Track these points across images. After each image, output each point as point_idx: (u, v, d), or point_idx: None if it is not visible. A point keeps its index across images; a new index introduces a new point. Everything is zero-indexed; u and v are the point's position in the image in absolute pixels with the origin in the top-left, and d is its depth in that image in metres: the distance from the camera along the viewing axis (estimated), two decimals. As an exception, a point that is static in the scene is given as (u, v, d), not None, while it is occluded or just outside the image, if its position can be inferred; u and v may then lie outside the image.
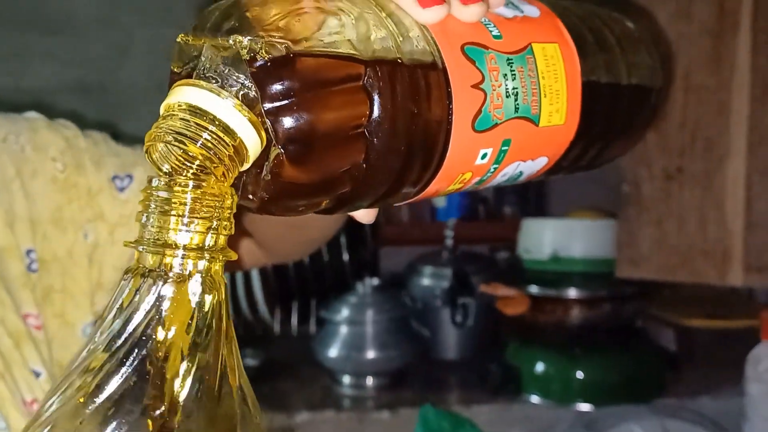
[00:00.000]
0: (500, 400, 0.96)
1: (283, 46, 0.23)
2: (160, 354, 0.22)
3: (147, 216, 0.22)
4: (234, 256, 0.23)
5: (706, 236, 0.88)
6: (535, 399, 0.96)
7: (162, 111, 0.23)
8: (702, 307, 1.05)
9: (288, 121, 0.23)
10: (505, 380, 0.97)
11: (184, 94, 0.23)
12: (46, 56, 1.17)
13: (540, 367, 0.97)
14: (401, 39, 0.25)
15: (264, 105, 0.23)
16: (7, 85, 1.13)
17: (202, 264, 0.22)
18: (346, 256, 1.12)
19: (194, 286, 0.22)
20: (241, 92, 0.23)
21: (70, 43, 1.17)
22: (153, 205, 0.22)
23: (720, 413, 0.89)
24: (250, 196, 0.25)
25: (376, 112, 0.23)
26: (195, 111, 0.23)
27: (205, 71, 0.24)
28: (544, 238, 0.96)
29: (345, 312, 1.01)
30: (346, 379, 1.01)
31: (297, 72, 0.23)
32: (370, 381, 1.00)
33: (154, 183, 0.23)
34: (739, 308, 1.04)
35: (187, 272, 0.22)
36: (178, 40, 0.25)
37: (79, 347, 0.23)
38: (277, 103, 0.23)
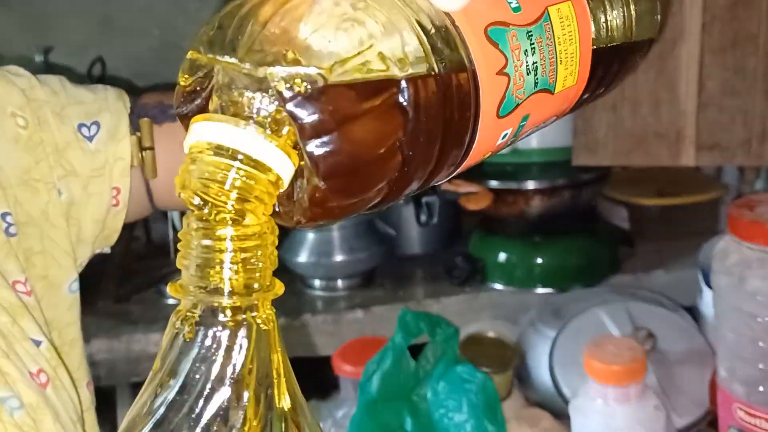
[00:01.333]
0: (467, 291, 1.00)
1: (316, 73, 0.21)
2: (230, 404, 0.22)
3: (189, 262, 0.21)
4: (281, 290, 0.23)
5: (660, 119, 0.90)
6: (499, 287, 1.00)
7: (186, 150, 0.22)
8: (652, 186, 1.10)
9: (328, 156, 0.22)
10: (471, 271, 1.00)
11: (208, 132, 0.21)
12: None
13: (503, 256, 1.00)
14: (430, 43, 0.23)
15: (301, 139, 0.21)
16: None
17: (252, 304, 0.22)
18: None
19: (248, 328, 0.22)
20: (267, 117, 0.21)
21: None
22: (194, 253, 0.21)
23: (672, 285, 0.95)
24: (284, 215, 0.24)
25: (412, 128, 0.23)
26: (223, 151, 0.21)
27: (225, 98, 0.22)
28: (503, 131, 0.96)
29: (310, 218, 1.02)
30: (318, 283, 1.03)
31: (333, 103, 0.21)
32: (340, 283, 1.02)
33: (194, 226, 0.21)
34: (686, 185, 1.08)
35: (241, 317, 0.22)
36: (189, 56, 0.23)
37: (134, 410, 0.23)
38: (316, 140, 0.21)
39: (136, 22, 1.29)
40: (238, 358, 0.22)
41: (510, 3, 0.26)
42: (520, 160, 0.98)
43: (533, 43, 0.26)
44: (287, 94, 0.21)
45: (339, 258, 1.01)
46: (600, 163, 0.93)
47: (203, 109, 0.23)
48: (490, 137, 0.26)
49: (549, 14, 0.27)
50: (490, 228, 1.04)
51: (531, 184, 0.96)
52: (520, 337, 0.81)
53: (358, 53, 0.22)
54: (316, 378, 1.01)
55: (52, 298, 0.43)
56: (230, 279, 0.22)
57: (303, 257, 1.01)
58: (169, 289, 0.23)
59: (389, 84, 0.22)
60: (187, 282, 0.22)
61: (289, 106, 0.21)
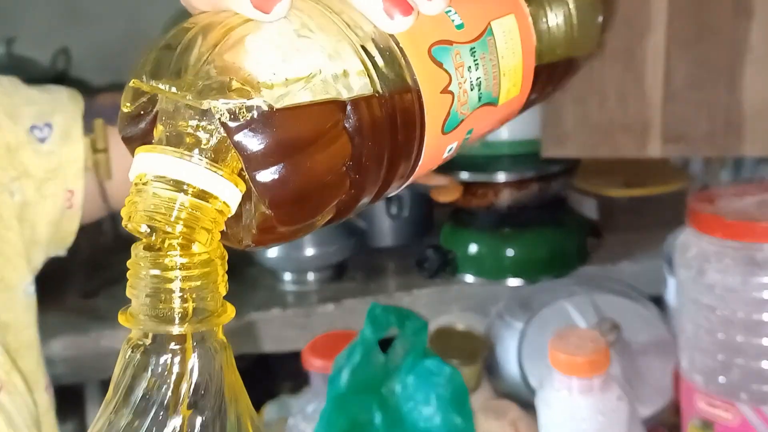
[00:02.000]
0: (438, 283, 1.00)
1: (262, 103, 0.21)
2: (183, 429, 0.22)
3: (138, 291, 0.22)
4: (232, 314, 0.23)
5: (627, 111, 0.91)
6: (469, 278, 1.00)
7: (132, 179, 0.22)
8: (620, 177, 1.11)
9: (275, 186, 0.22)
10: (441, 264, 1.01)
11: (152, 164, 0.21)
12: None
13: (473, 248, 1.01)
14: (374, 68, 0.23)
15: (248, 170, 0.22)
16: None
17: (202, 329, 0.22)
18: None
19: (199, 355, 0.22)
20: (211, 147, 0.21)
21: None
22: (143, 283, 0.22)
23: (639, 276, 0.96)
24: (231, 237, 0.24)
25: (359, 151, 0.23)
26: (168, 182, 0.21)
27: (170, 128, 0.22)
28: (473, 124, 0.97)
29: (280, 211, 1.01)
30: (288, 276, 1.03)
31: (279, 133, 0.21)
32: (311, 276, 1.02)
33: (142, 255, 0.22)
34: (654, 176, 1.10)
35: (192, 344, 0.22)
36: (132, 85, 0.22)
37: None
38: (263, 170, 0.21)
39: (102, 11, 1.26)
40: (190, 384, 0.22)
41: (453, 20, 0.26)
42: (490, 152, 0.98)
43: (476, 60, 0.26)
44: (232, 125, 0.21)
45: (309, 251, 1.01)
46: (568, 154, 0.94)
47: (148, 133, 0.23)
48: (435, 153, 0.26)
49: (492, 29, 0.27)
50: (460, 220, 1.04)
51: (500, 176, 0.97)
52: (488, 329, 0.82)
53: (304, 79, 0.22)
54: (287, 373, 1.01)
55: (8, 300, 0.43)
56: (180, 307, 0.22)
57: (273, 251, 1.01)
58: (119, 318, 0.23)
59: (335, 109, 0.22)
60: (136, 311, 0.22)
61: (234, 137, 0.21)
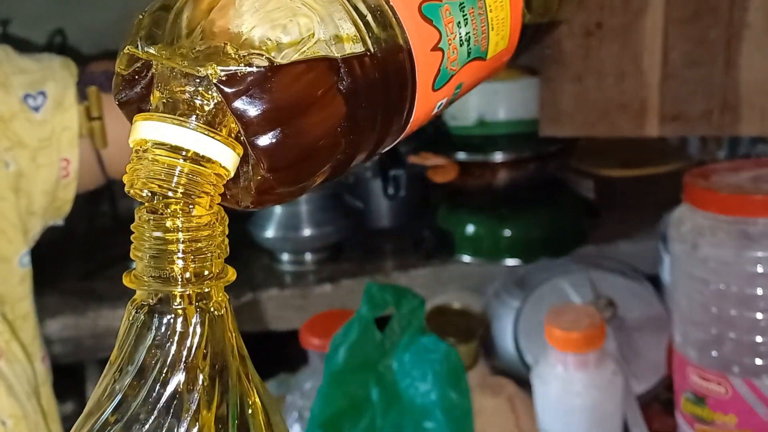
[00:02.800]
0: (435, 263, 1.00)
1: (257, 68, 0.21)
2: (185, 387, 0.23)
3: (142, 253, 0.22)
4: (233, 277, 0.24)
5: (624, 90, 0.91)
6: (467, 259, 1.01)
7: (131, 145, 0.22)
8: (618, 157, 1.11)
9: (273, 151, 0.22)
10: (438, 244, 1.01)
11: (151, 130, 0.22)
12: None
13: (470, 228, 1.01)
14: (366, 27, 0.24)
15: (246, 135, 0.22)
16: None
17: (205, 291, 0.23)
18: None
19: (201, 314, 0.23)
20: (209, 112, 0.22)
21: None
22: (147, 245, 0.22)
23: (636, 255, 0.96)
24: (230, 199, 0.25)
25: (353, 112, 0.23)
26: (167, 148, 0.22)
27: (167, 93, 0.22)
28: (470, 104, 0.97)
29: (277, 192, 1.01)
30: (286, 257, 1.03)
31: (275, 99, 0.22)
32: (309, 256, 1.03)
33: (145, 218, 0.22)
34: (652, 156, 1.10)
35: (194, 304, 0.23)
36: (126, 52, 0.23)
37: (95, 395, 0.23)
38: (260, 135, 0.22)
39: (98, -7, 1.26)
40: (192, 343, 0.23)
41: None
42: (487, 132, 0.98)
43: (466, 15, 0.26)
44: (228, 90, 0.21)
45: (307, 232, 1.01)
46: (565, 134, 0.93)
47: (144, 97, 0.24)
48: (426, 109, 0.27)
49: None
50: (457, 200, 1.04)
51: (498, 156, 0.97)
52: (485, 307, 0.82)
53: (298, 43, 0.22)
54: (285, 352, 1.02)
55: (3, 272, 0.43)
56: (183, 268, 0.23)
57: (270, 232, 1.01)
58: (123, 279, 0.24)
59: (329, 71, 0.23)
60: (141, 272, 0.23)
61: (231, 103, 0.21)
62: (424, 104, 0.26)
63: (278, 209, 1.01)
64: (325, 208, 1.01)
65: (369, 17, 0.24)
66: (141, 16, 0.23)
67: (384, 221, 1.10)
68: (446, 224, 1.03)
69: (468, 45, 0.27)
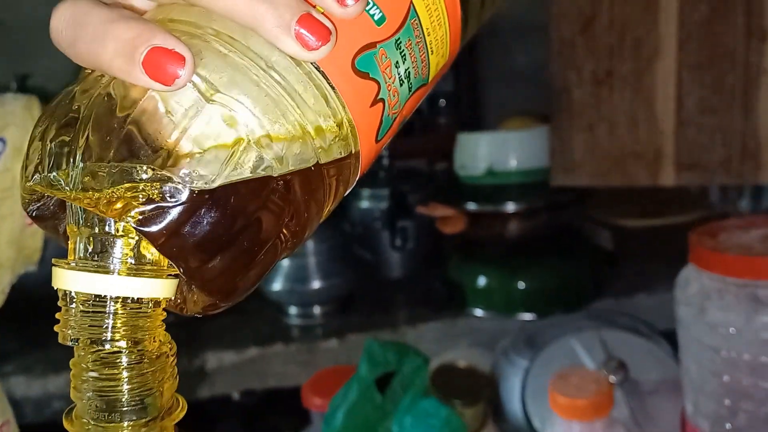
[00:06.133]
0: (445, 316, 0.97)
1: (181, 202, 0.19)
2: None
3: (82, 394, 0.21)
4: (183, 411, 0.22)
5: (638, 138, 0.88)
6: (479, 312, 0.97)
7: (57, 291, 0.21)
8: (635, 207, 1.07)
9: (207, 281, 0.20)
10: (449, 297, 0.98)
11: (71, 282, 0.20)
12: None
13: (482, 281, 0.98)
14: (303, 132, 0.21)
15: (178, 270, 0.20)
16: None
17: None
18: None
19: None
20: (133, 250, 0.20)
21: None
22: (87, 386, 0.21)
23: (654, 309, 0.92)
24: (177, 309, 0.23)
25: (292, 220, 0.21)
26: (94, 303, 0.20)
27: (82, 233, 0.20)
28: (479, 154, 0.95)
29: (284, 244, 1.00)
30: (293, 310, 1.01)
31: (202, 235, 0.19)
32: (317, 309, 1.00)
33: (87, 359, 0.21)
34: (671, 205, 1.06)
35: None
36: (28, 187, 0.20)
37: None
38: (191, 267, 0.20)
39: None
40: None
41: (373, 16, 0.23)
42: (497, 181, 0.96)
43: (403, 51, 0.24)
44: (149, 230, 0.19)
45: (315, 284, 0.99)
46: (577, 183, 0.91)
47: (57, 213, 0.22)
48: (371, 159, 0.24)
49: (414, 7, 0.24)
50: (468, 252, 1.02)
51: (509, 207, 0.94)
52: (494, 365, 0.79)
53: (227, 154, 0.20)
54: (290, 410, 0.99)
55: None
56: (127, 408, 0.21)
57: (278, 284, 0.99)
58: (63, 421, 0.22)
59: (265, 184, 0.20)
60: (81, 413, 0.21)
61: (157, 242, 0.19)
62: (369, 157, 0.24)
63: (285, 262, 0.99)
64: (332, 259, 0.99)
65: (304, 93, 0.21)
66: (38, 140, 0.20)
67: (394, 272, 1.07)
68: (457, 276, 1.00)
69: (408, 81, 0.24)
